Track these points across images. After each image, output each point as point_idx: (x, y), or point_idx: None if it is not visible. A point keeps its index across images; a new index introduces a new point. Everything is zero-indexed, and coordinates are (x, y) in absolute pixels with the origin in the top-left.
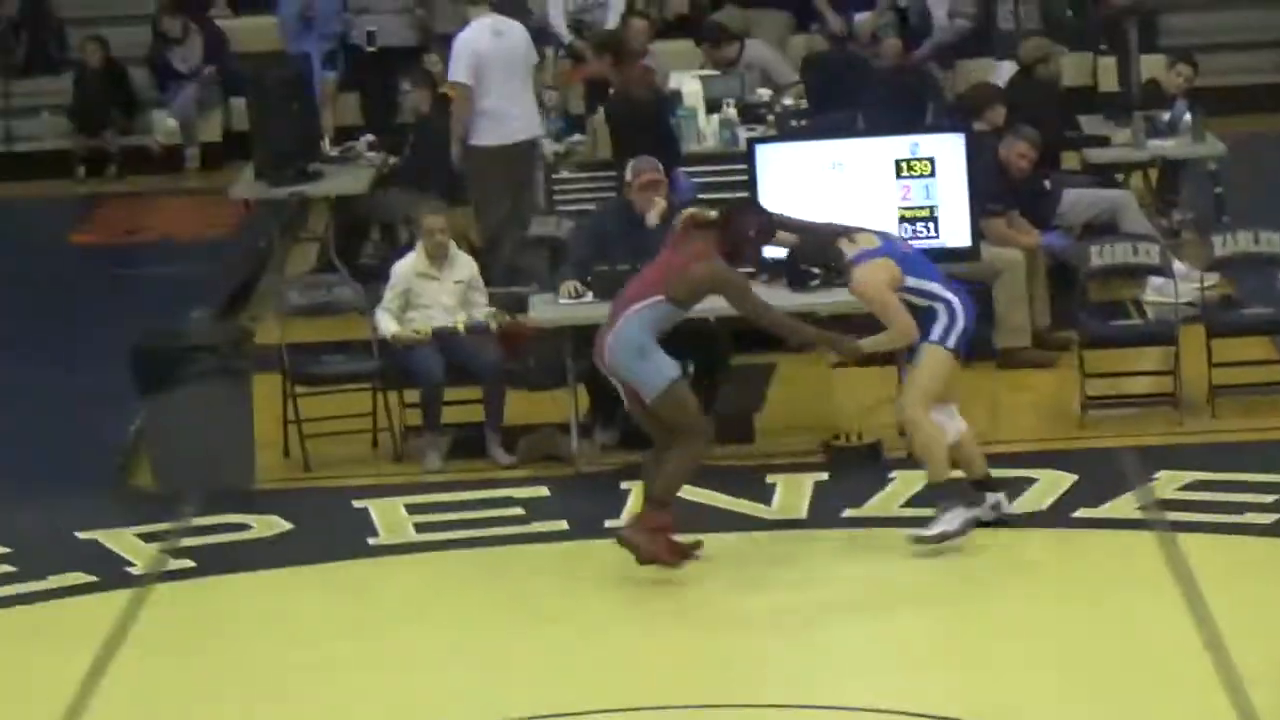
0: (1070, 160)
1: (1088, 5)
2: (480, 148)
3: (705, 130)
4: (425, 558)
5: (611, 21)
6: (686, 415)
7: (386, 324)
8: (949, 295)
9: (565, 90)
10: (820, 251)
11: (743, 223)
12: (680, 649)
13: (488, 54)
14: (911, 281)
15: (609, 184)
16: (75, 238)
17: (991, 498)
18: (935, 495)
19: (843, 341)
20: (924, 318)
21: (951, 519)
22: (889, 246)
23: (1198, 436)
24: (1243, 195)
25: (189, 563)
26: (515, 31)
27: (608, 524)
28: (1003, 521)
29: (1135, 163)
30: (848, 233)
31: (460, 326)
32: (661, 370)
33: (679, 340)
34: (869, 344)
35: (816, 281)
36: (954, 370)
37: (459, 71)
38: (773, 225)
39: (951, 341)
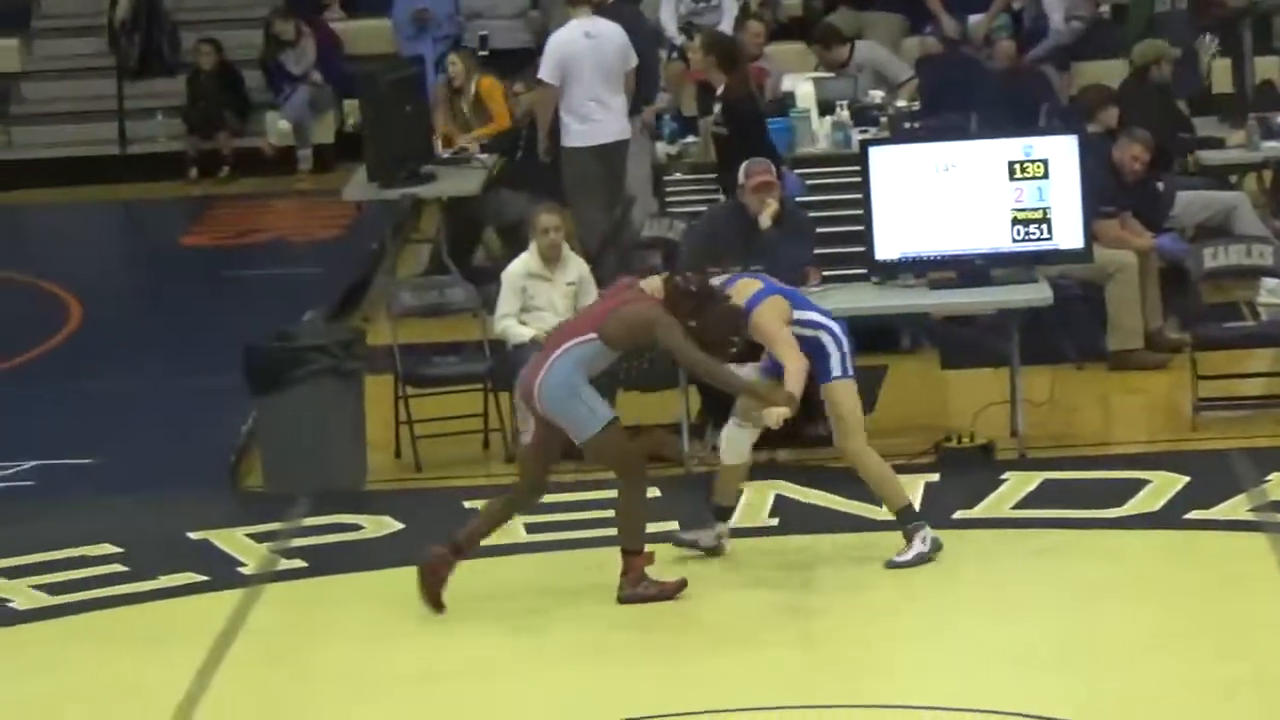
0: (1183, 163)
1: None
2: (574, 149)
3: (818, 132)
4: (535, 558)
5: (725, 24)
6: (621, 458)
7: (518, 331)
8: (828, 321)
9: (677, 92)
10: (726, 323)
11: (684, 280)
12: (795, 650)
13: (579, 55)
14: (798, 314)
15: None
16: (187, 239)
17: (720, 528)
18: (902, 521)
19: (774, 392)
20: (815, 351)
21: (924, 538)
22: (770, 286)
23: None
24: None
25: (300, 563)
26: (609, 34)
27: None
28: (715, 552)
29: (1249, 164)
30: (725, 286)
31: None
32: (596, 412)
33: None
34: (793, 388)
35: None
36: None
37: (546, 70)
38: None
39: (850, 370)
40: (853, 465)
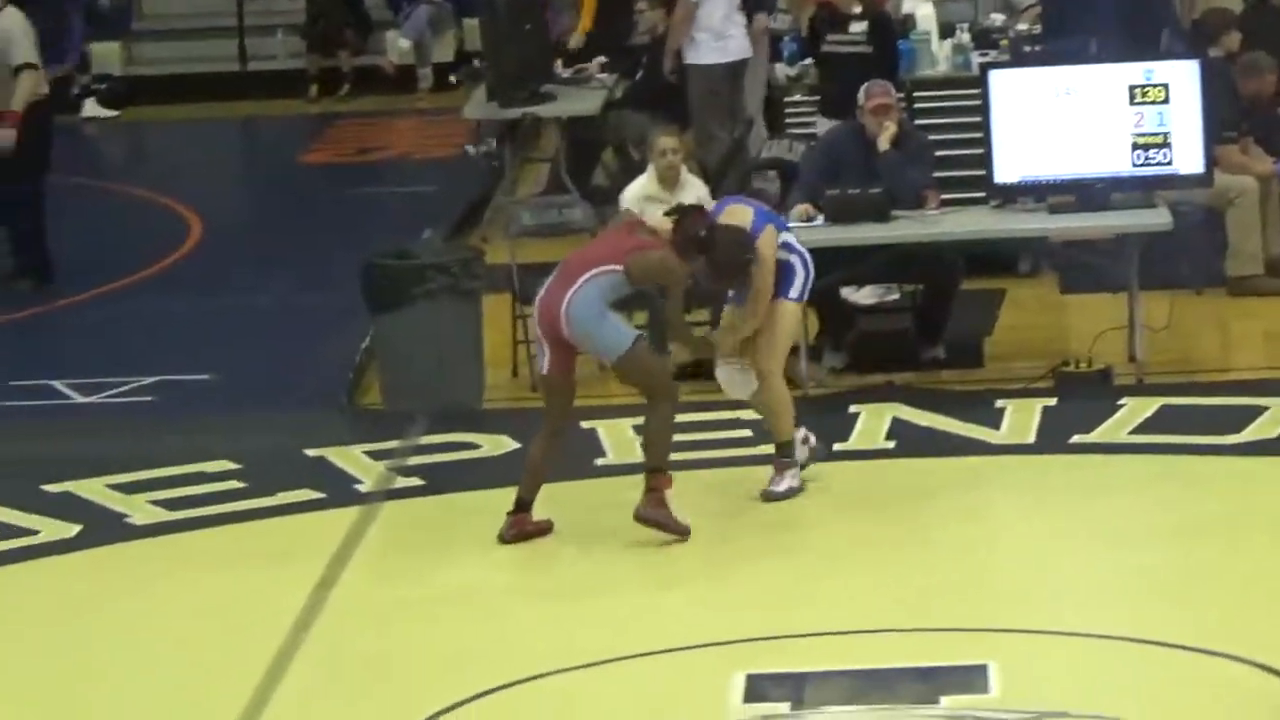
0: None
1: None
2: (707, 66)
3: (938, 55)
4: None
5: None
6: (652, 375)
7: None
8: (801, 249)
9: (799, 14)
10: (737, 247)
11: (692, 223)
12: (907, 575)
13: None
14: (782, 238)
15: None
16: (307, 157)
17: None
18: (781, 454)
19: (709, 344)
20: (784, 272)
21: (795, 474)
22: (761, 212)
23: None
24: None
25: (417, 481)
26: None
27: (836, 446)
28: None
29: None
30: (716, 210)
31: None
32: (621, 331)
33: (911, 265)
34: (746, 329)
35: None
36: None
37: None
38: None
39: (804, 296)
40: (760, 384)
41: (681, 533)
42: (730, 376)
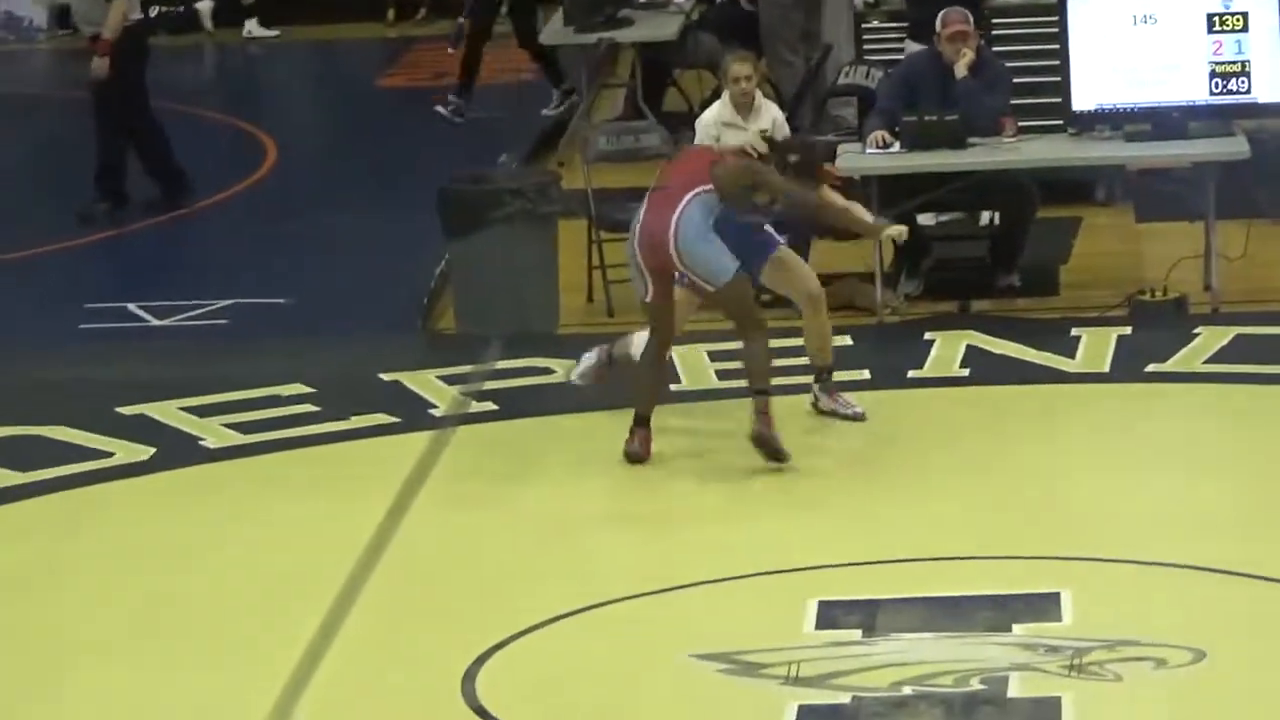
0: None
1: None
2: None
3: None
4: (725, 405)
5: None
6: (747, 307)
7: None
8: None
9: None
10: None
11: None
12: (980, 503)
13: None
14: None
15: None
16: (384, 81)
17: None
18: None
19: (877, 226)
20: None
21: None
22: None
23: None
24: None
25: (491, 406)
26: None
27: (910, 374)
28: None
29: None
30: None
31: None
32: (726, 259)
33: (987, 192)
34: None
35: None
36: None
37: None
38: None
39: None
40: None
41: (784, 458)
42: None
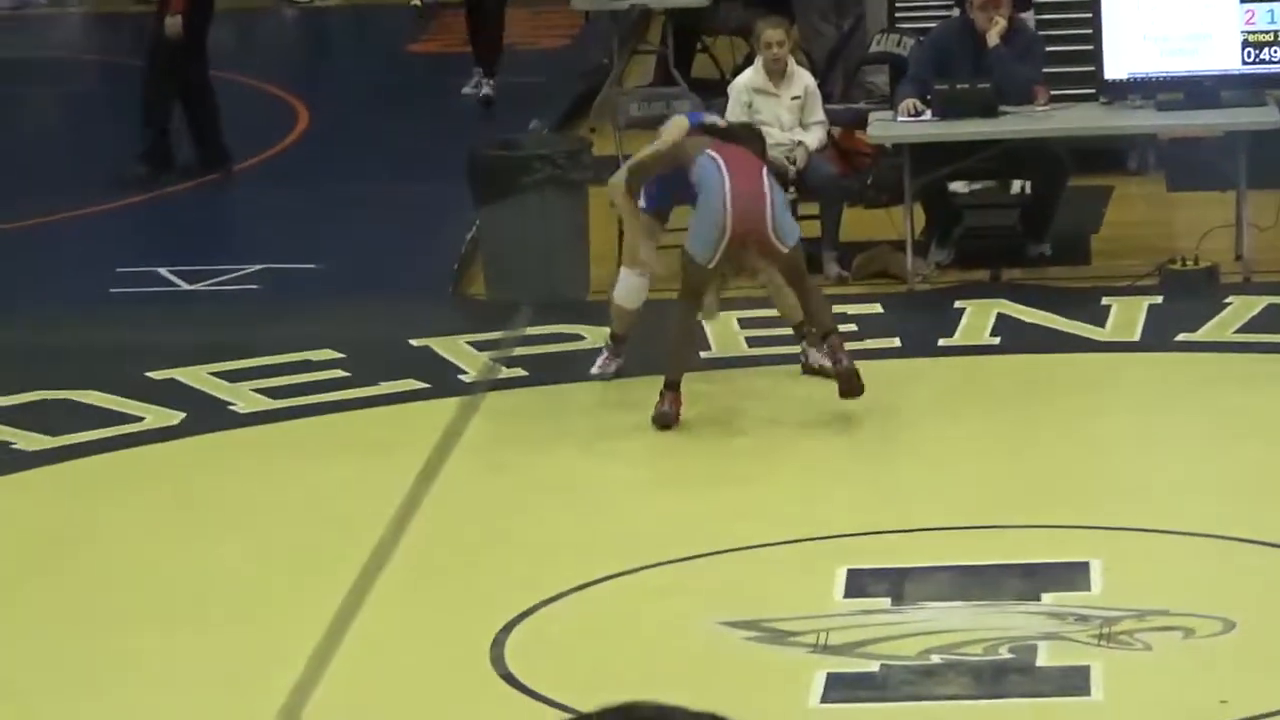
0: None
1: None
2: None
3: None
4: (755, 371)
5: None
6: (804, 265)
7: None
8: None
9: None
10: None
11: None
12: (1009, 471)
13: None
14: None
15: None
16: (415, 46)
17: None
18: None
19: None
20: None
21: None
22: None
23: None
24: None
25: (521, 372)
26: None
27: (940, 342)
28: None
29: None
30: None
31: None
32: (793, 222)
33: (1019, 161)
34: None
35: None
36: None
37: None
38: None
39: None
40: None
41: (861, 389)
42: (632, 285)
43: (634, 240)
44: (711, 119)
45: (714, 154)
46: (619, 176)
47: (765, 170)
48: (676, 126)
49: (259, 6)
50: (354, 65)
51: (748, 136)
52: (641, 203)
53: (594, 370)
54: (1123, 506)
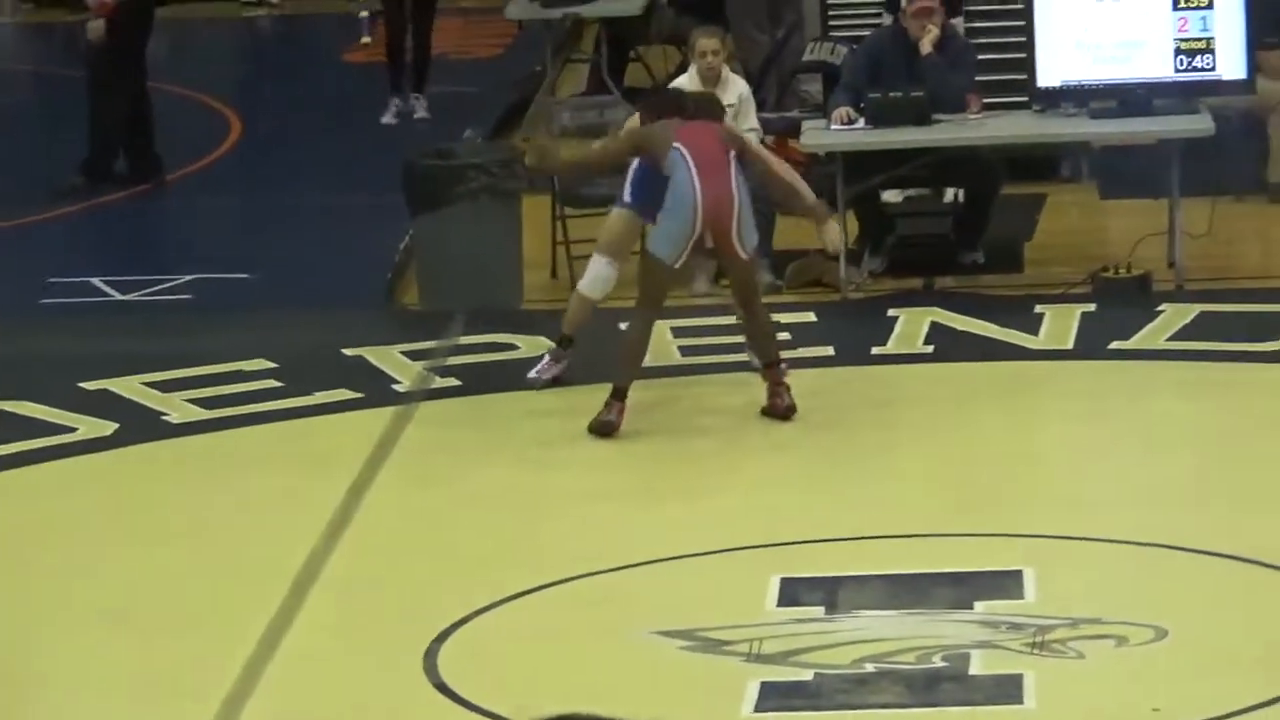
0: None
1: None
2: None
3: None
4: (690, 380)
5: None
6: (757, 279)
7: None
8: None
9: None
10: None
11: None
12: (942, 480)
13: None
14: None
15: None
16: (349, 55)
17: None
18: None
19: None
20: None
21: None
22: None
23: None
24: None
25: (455, 381)
26: None
27: (873, 350)
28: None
29: None
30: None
31: None
32: (755, 232)
33: (952, 169)
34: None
35: None
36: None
37: None
38: None
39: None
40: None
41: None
42: (603, 275)
43: (573, 156)
44: (675, 88)
45: (684, 150)
46: (559, 154)
47: (734, 169)
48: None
49: (193, 16)
50: (288, 74)
51: (708, 107)
52: (626, 196)
53: (531, 374)
54: (1056, 515)
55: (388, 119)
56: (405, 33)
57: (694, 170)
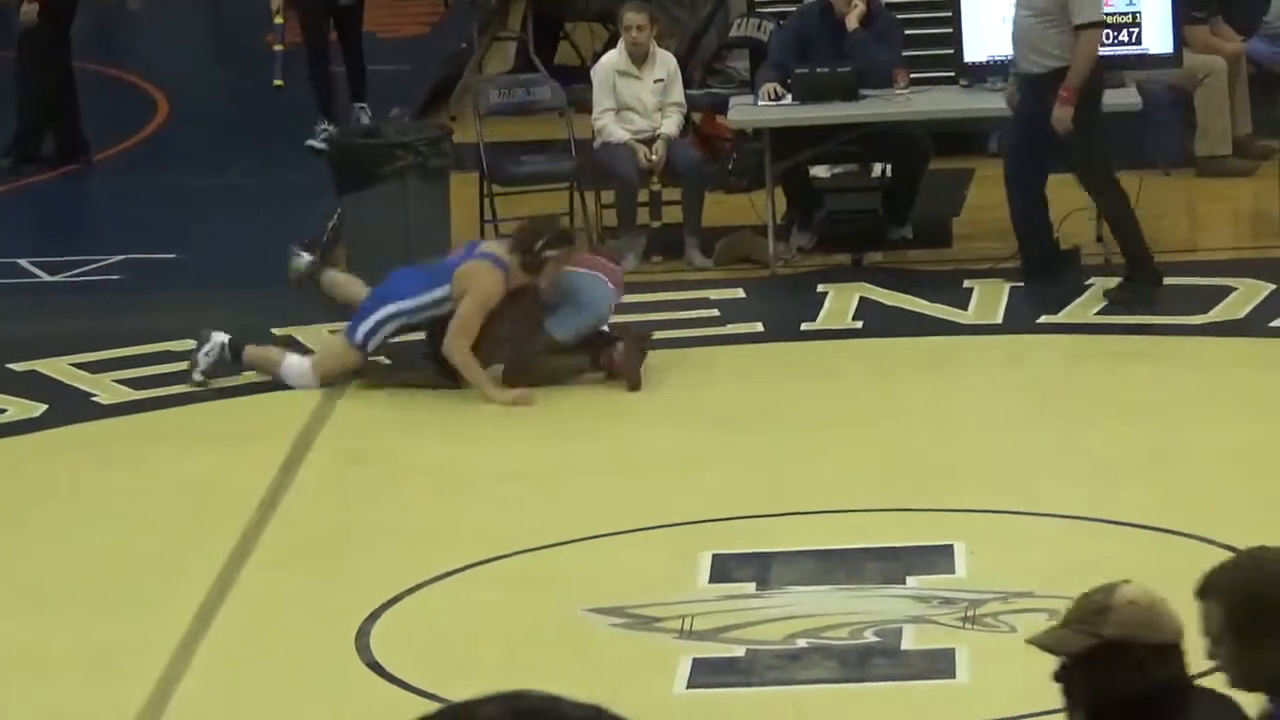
0: None
1: None
2: None
3: None
4: None
5: None
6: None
7: (613, 131)
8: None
9: None
10: None
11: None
12: (873, 456)
13: None
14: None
15: None
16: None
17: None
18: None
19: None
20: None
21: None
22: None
23: None
24: None
25: (384, 360)
26: None
27: (803, 326)
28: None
29: None
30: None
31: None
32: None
33: (880, 144)
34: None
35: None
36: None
37: None
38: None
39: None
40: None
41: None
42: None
43: (480, 385)
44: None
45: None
46: (451, 342)
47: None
48: (487, 274)
49: None
50: (215, 54)
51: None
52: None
53: (196, 375)
54: (987, 489)
55: (314, 143)
56: (327, 51)
57: (606, 278)
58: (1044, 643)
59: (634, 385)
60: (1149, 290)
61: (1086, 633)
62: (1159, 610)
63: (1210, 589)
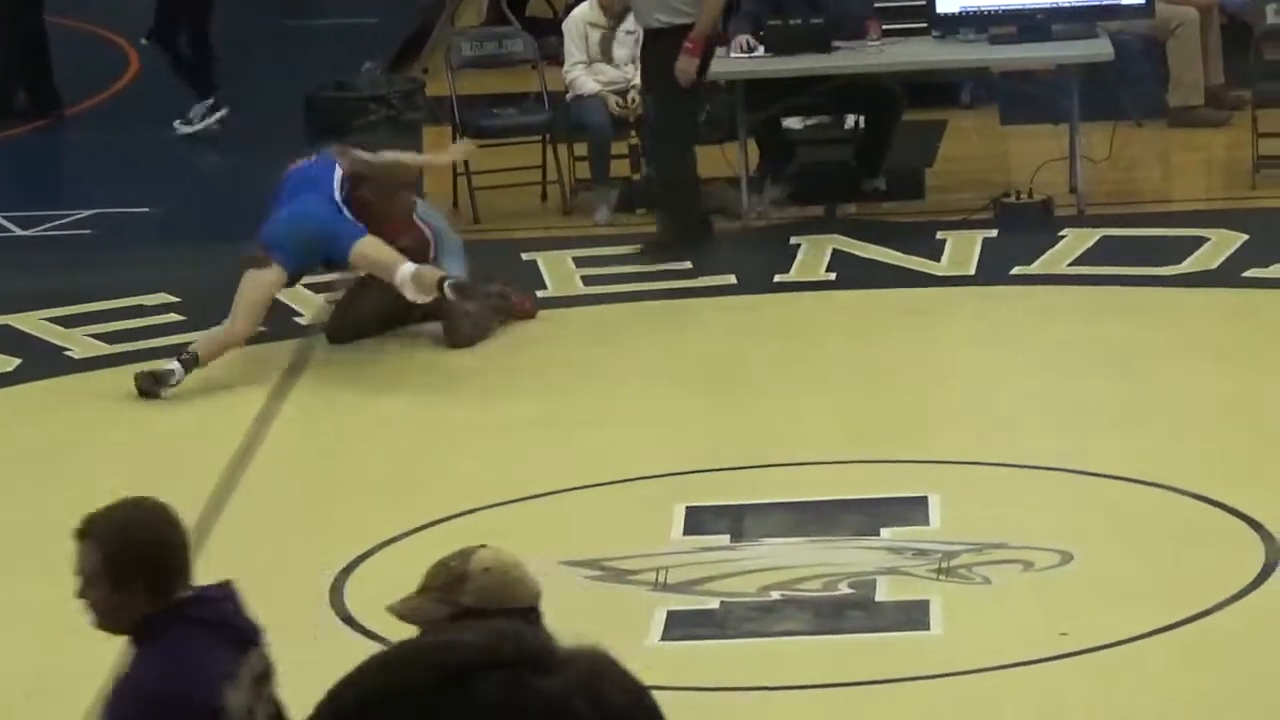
0: None
1: None
2: None
3: None
4: (592, 310)
5: None
6: None
7: (584, 83)
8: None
9: None
10: None
11: None
12: (847, 407)
13: None
14: None
15: None
16: None
17: None
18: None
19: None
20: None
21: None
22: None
23: None
24: None
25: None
26: None
27: (776, 278)
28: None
29: None
30: None
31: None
32: None
33: (852, 95)
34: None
35: None
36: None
37: None
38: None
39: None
40: None
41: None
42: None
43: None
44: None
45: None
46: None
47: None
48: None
49: None
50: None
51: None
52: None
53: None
54: (960, 440)
55: (184, 128)
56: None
57: None
58: (401, 612)
59: (459, 341)
60: (680, 247)
61: (445, 601)
62: (515, 575)
63: (88, 532)
